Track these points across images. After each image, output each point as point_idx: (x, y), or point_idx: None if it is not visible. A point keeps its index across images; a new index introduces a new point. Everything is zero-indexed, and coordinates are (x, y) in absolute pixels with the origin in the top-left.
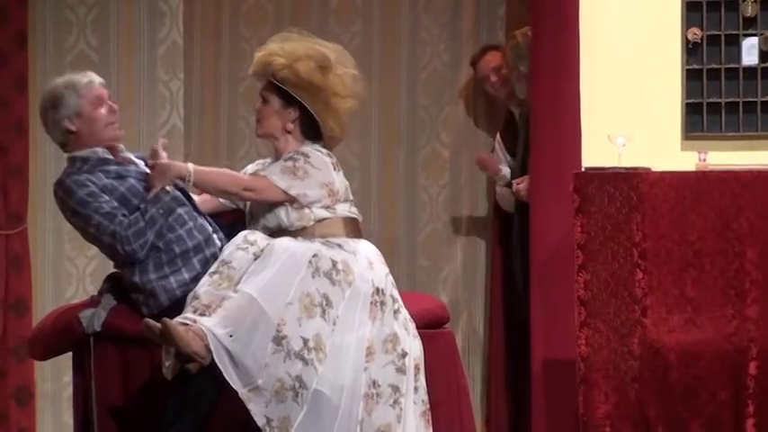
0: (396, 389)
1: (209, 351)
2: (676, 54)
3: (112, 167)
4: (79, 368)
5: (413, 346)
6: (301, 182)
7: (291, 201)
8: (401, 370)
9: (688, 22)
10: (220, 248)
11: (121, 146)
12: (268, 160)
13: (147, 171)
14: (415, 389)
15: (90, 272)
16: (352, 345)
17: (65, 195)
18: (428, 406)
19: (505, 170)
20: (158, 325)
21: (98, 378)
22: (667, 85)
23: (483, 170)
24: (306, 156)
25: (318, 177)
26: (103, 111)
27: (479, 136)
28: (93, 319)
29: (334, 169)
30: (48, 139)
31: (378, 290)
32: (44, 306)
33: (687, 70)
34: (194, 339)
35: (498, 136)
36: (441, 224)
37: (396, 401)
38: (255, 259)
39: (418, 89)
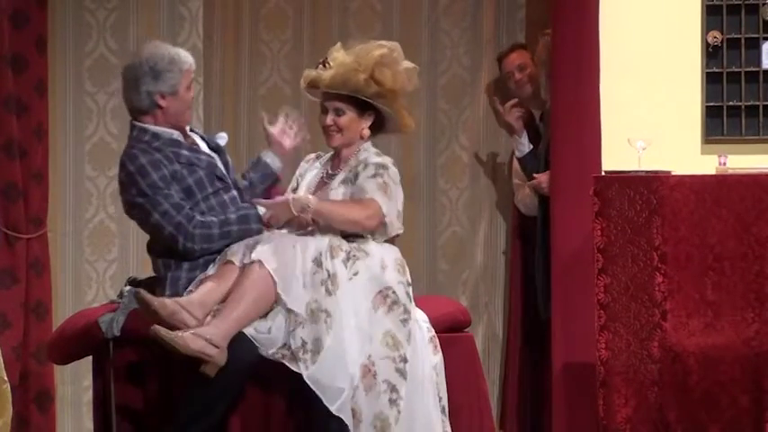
0: (393, 388)
1: (216, 347)
2: (696, 57)
3: (184, 152)
4: (99, 373)
5: (436, 361)
6: (389, 202)
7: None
8: (400, 371)
9: (708, 25)
10: None
11: (188, 128)
12: (311, 156)
13: (216, 156)
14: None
15: (110, 275)
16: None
17: (137, 174)
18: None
19: (525, 141)
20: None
21: (117, 383)
22: (687, 89)
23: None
24: (385, 168)
25: (398, 196)
26: (191, 94)
27: (499, 139)
28: (112, 324)
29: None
30: (67, 143)
31: (389, 288)
32: (64, 310)
33: (707, 73)
34: (192, 340)
35: None
36: (460, 228)
37: (393, 401)
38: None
39: (438, 93)
